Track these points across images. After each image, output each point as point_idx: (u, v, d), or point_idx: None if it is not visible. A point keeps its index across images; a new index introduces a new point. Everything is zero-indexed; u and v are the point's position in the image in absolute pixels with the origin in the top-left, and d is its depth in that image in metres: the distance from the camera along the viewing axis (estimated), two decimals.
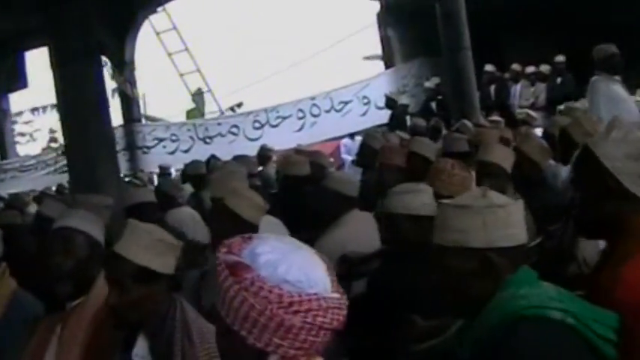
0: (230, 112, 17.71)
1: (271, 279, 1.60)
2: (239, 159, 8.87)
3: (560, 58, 13.91)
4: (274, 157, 10.48)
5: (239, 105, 19.79)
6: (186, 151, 14.39)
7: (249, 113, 15.32)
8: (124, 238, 2.59)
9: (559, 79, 13.84)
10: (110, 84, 15.37)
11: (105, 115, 5.75)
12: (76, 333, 2.92)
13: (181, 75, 16.04)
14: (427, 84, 14.22)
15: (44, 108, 19.01)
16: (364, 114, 15.32)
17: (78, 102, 5.62)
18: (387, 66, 16.66)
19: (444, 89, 14.13)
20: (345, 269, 4.57)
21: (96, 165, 5.58)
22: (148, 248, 2.58)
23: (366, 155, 7.24)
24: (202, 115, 17.79)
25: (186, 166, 8.97)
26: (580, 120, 5.42)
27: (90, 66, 5.72)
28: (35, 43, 15.07)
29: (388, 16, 16.29)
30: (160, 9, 15.08)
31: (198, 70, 16.31)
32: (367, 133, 8.41)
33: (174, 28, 15.80)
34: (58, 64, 5.80)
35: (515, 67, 14.45)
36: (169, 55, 15.93)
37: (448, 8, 11.01)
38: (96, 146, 5.60)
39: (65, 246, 2.97)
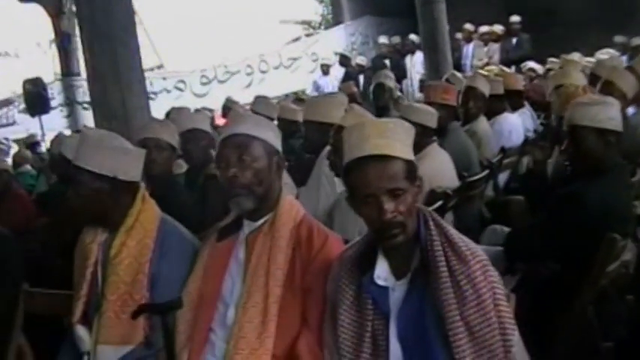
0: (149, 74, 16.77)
1: None
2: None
3: (515, 18, 13.90)
4: None
5: (159, 67, 18.90)
6: None
7: (194, 70, 14.56)
8: (375, 138, 2.13)
9: (514, 40, 13.84)
10: (48, 33, 14.36)
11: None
12: (273, 256, 2.43)
13: None
14: (382, 40, 13.98)
15: None
16: (313, 71, 14.92)
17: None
18: (336, 23, 16.35)
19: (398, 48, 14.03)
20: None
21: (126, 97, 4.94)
22: (401, 140, 2.16)
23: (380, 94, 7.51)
24: None
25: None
26: None
27: None
28: None
29: None
30: None
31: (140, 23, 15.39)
32: (380, 72, 8.31)
33: None
34: None
35: (468, 26, 14.36)
36: None
37: None
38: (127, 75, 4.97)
39: (240, 155, 2.46)
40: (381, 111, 6.93)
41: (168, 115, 8.56)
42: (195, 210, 4.20)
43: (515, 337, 2.12)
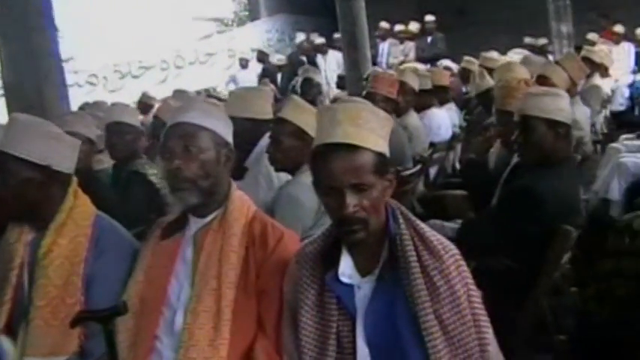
0: None
1: None
2: None
3: (430, 17, 14.05)
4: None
5: (68, 60, 18.21)
6: None
7: (107, 64, 14.04)
8: (346, 125, 1.97)
9: (429, 39, 13.97)
10: None
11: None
12: (225, 255, 2.23)
13: None
14: (301, 37, 13.86)
15: None
16: (229, 67, 14.67)
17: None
18: (252, 19, 16.16)
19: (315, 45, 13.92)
20: None
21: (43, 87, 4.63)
22: (374, 129, 2.01)
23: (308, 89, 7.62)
24: None
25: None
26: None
27: None
28: None
29: None
30: None
31: None
32: (307, 67, 8.25)
33: None
34: None
35: (384, 25, 14.39)
36: None
37: None
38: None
39: (185, 146, 2.26)
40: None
41: (81, 109, 8.22)
42: (118, 208, 3.95)
43: (490, 335, 2.00)
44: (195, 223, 2.33)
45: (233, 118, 4.23)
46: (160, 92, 12.32)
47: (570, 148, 3.20)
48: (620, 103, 9.34)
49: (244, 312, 2.19)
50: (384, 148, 2.00)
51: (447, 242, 2.05)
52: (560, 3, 12.71)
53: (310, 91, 7.33)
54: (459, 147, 6.48)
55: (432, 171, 5.76)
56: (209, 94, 10.56)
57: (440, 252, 1.99)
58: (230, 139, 2.39)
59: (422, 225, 2.05)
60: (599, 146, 6.33)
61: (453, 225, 3.72)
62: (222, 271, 2.21)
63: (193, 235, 2.32)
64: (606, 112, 8.03)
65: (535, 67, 5.23)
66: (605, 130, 7.17)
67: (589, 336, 3.05)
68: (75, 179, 2.55)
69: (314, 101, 7.06)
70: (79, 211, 2.47)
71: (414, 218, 2.07)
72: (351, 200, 1.93)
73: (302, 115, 3.43)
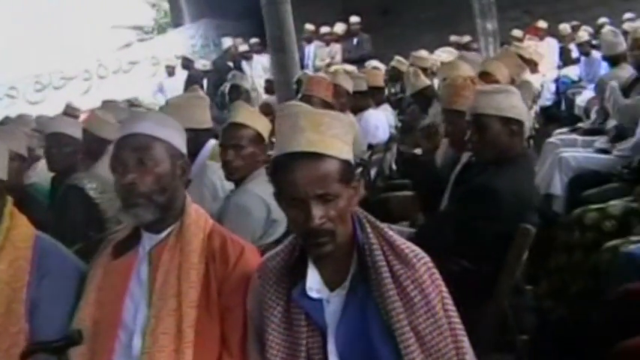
0: None
1: None
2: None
3: (355, 18, 14.06)
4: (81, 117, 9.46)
5: None
6: None
7: (27, 76, 13.55)
8: (308, 132, 1.87)
9: (355, 40, 13.98)
10: None
11: None
12: (185, 273, 2.10)
13: None
14: (228, 42, 13.68)
15: None
16: (154, 74, 14.36)
17: None
18: (176, 26, 15.87)
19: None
20: None
21: None
22: (338, 136, 1.92)
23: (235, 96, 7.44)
24: None
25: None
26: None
27: None
28: None
29: None
30: None
31: None
32: (235, 74, 8.18)
33: None
34: None
35: (309, 27, 14.34)
36: None
37: None
38: None
39: (140, 158, 2.13)
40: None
41: (1, 124, 7.91)
42: (54, 224, 3.77)
43: (467, 342, 1.94)
44: (149, 240, 2.20)
45: None
46: (83, 103, 12.00)
47: (523, 144, 3.18)
48: (547, 98, 9.53)
49: (207, 332, 2.07)
50: (348, 154, 1.91)
51: (418, 249, 1.97)
52: (485, 1, 12.89)
53: (239, 98, 7.21)
54: (395, 148, 6.46)
55: (372, 173, 5.73)
56: (131, 103, 10.31)
57: (412, 260, 1.92)
58: (185, 149, 2.27)
59: (390, 233, 1.98)
60: (531, 142, 6.41)
61: (402, 228, 3.67)
62: (182, 290, 2.08)
63: (148, 252, 2.19)
64: (536, 108, 8.16)
65: (472, 64, 5.24)
66: (537, 126, 7.27)
67: (547, 335, 3.03)
68: (10, 198, 2.38)
69: None
70: (17, 233, 2.29)
71: (382, 226, 1.99)
72: (317, 212, 1.84)
73: (258, 119, 3.35)
